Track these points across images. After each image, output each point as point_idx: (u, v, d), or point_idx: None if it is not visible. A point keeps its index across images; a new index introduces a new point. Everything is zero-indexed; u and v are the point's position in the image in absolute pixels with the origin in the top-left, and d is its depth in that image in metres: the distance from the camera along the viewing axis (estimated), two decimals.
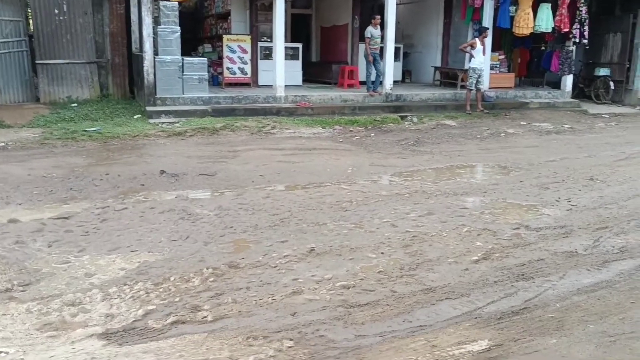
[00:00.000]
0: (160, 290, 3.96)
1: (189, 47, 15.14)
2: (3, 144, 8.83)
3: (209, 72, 13.90)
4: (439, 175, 7.83)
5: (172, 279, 4.15)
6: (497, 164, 8.57)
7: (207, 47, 15.21)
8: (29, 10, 12.39)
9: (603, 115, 14.14)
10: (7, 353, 3.08)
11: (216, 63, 14.36)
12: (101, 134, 9.64)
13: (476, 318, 3.56)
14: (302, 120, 11.55)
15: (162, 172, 7.26)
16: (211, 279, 4.15)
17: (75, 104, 12.06)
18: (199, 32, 17.46)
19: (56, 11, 12.16)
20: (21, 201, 6.01)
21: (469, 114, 13.07)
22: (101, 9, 12.82)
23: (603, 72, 16.16)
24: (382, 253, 4.73)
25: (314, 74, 16.03)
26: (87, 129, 9.78)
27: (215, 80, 14.14)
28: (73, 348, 3.17)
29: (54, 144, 9.00)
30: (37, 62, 12.24)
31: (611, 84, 15.88)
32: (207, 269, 4.33)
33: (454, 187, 6.98)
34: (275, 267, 4.40)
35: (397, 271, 4.33)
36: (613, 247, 4.89)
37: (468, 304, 3.75)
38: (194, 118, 10.92)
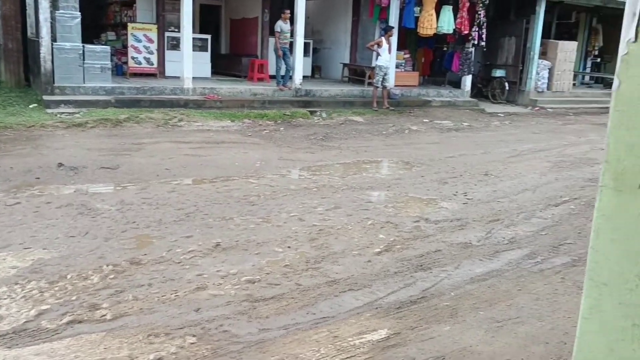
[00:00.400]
0: (56, 289, 3.78)
1: (90, 35, 14.44)
2: None
3: (112, 61, 13.35)
4: (346, 170, 7.99)
5: (69, 277, 3.97)
6: (401, 159, 8.88)
7: (111, 35, 14.58)
8: None
9: (498, 114, 15.01)
10: None
11: (120, 52, 13.80)
12: None
13: (377, 308, 3.70)
14: (210, 113, 11.37)
15: (60, 164, 6.90)
16: (111, 276, 4.01)
17: None
18: (101, 19, 16.67)
19: None
20: None
21: (376, 110, 13.43)
22: None
23: (499, 73, 17.14)
24: (289, 247, 4.77)
25: (223, 67, 15.82)
26: None
27: (119, 70, 13.59)
28: None
29: None
30: None
31: (506, 84, 16.89)
32: (107, 265, 4.18)
33: (360, 182, 7.17)
34: (179, 262, 4.32)
35: (303, 264, 4.40)
36: (503, 238, 5.24)
37: (369, 295, 3.87)
38: (96, 109, 10.44)
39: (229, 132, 10.20)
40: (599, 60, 21.21)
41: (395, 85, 14.94)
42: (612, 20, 17.09)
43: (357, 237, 5.09)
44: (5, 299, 3.60)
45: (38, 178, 6.42)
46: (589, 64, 21.17)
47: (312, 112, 12.64)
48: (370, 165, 8.43)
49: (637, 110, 1.05)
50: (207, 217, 5.44)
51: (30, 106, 10.42)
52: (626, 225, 1.10)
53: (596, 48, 20.63)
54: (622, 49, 1.08)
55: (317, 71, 17.51)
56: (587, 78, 21.18)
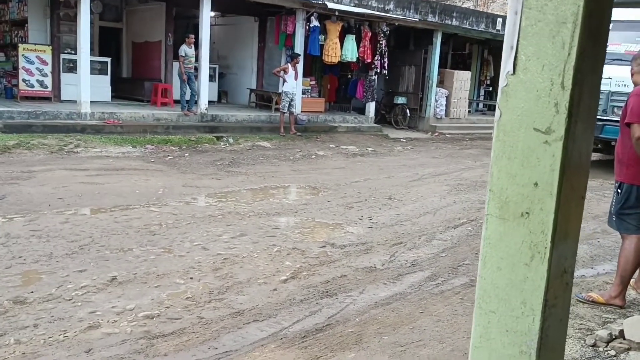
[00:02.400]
0: None
1: None
2: None
3: (1, 83, 12.54)
4: (252, 196, 7.89)
5: None
6: (308, 184, 8.91)
7: (0, 56, 13.66)
8: None
9: (401, 140, 15.53)
10: None
11: (10, 74, 12.96)
12: None
13: (282, 339, 3.61)
14: (110, 139, 10.89)
15: None
16: None
17: None
18: None
19: None
20: None
21: (283, 136, 13.46)
22: None
23: (401, 100, 17.79)
24: (192, 278, 4.60)
25: (125, 91, 15.28)
26: None
27: (9, 93, 12.74)
28: None
29: None
30: None
31: (407, 111, 17.55)
32: None
33: (267, 208, 7.09)
34: (70, 299, 4.03)
35: (206, 296, 4.24)
36: (406, 261, 5.34)
37: (275, 325, 3.78)
38: None
39: (130, 159, 9.79)
40: (490, 89, 22.60)
41: (302, 111, 15.08)
42: (500, 52, 18.30)
43: (263, 265, 5.00)
44: None
45: None
46: (482, 92, 22.51)
47: (218, 138, 12.45)
48: (277, 191, 8.38)
49: (516, 140, 1.07)
50: (103, 249, 5.14)
51: None
52: (511, 254, 1.11)
53: (488, 77, 21.99)
54: (502, 80, 1.10)
55: (223, 96, 17.35)
56: (481, 105, 22.49)
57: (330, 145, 13.32)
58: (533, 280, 1.08)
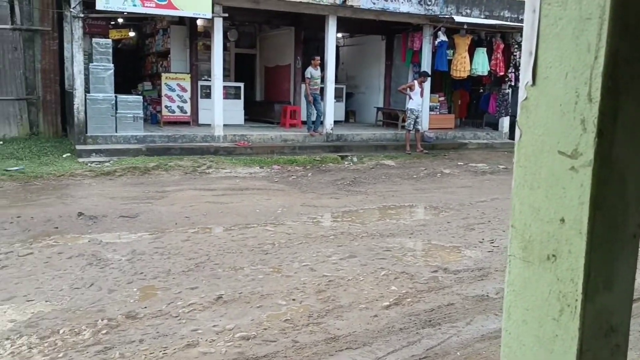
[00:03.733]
0: (45, 344, 3.69)
1: (130, 85, 14.93)
2: None
3: (148, 110, 13.72)
4: (369, 216, 7.78)
5: (61, 331, 3.87)
6: (429, 204, 8.60)
7: (147, 85, 15.00)
8: None
9: None
10: None
11: (155, 101, 14.16)
12: (24, 173, 9.24)
13: None
14: (240, 160, 11.41)
15: (80, 214, 6.95)
16: (104, 331, 3.89)
17: (1, 142, 11.60)
18: (140, 70, 17.26)
19: None
20: None
21: (409, 154, 13.21)
22: (32, 45, 12.52)
23: None
24: (294, 299, 4.57)
25: (257, 114, 16.01)
26: (9, 169, 9.37)
27: (154, 119, 13.92)
28: None
29: None
30: None
31: None
32: (102, 320, 4.07)
33: (381, 229, 6.93)
34: (176, 316, 4.18)
35: (305, 319, 4.18)
36: None
37: (368, 354, 3.62)
38: (126, 157, 10.63)
39: (256, 179, 10.17)
40: None
41: (430, 128, 14.74)
42: None
43: (368, 289, 4.85)
44: None
45: (56, 228, 6.47)
46: None
47: (342, 157, 12.53)
48: (395, 211, 8.18)
49: (539, 166, 0.86)
50: (216, 267, 5.31)
51: (64, 155, 10.70)
52: (537, 305, 0.89)
53: None
54: (521, 93, 0.90)
55: (351, 116, 17.51)
56: None
57: (458, 163, 12.81)
58: (563, 340, 0.85)
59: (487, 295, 4.73)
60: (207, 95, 13.77)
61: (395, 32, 15.99)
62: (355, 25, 15.33)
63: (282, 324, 4.08)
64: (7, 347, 3.64)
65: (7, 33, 12.21)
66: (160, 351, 3.62)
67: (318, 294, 4.71)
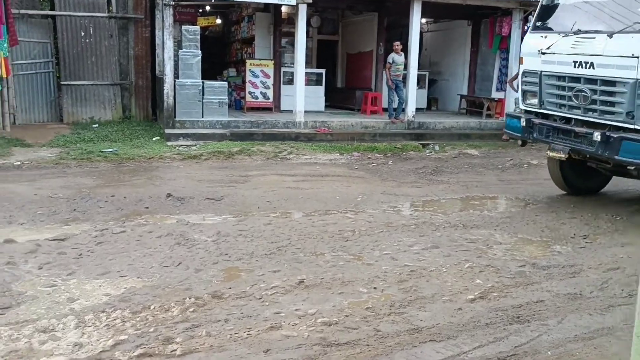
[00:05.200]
0: (137, 319, 3.85)
1: (215, 71, 15.34)
2: (18, 163, 8.98)
3: (232, 96, 14.04)
4: (451, 206, 7.59)
5: (152, 307, 4.04)
6: (516, 196, 8.27)
7: (232, 71, 15.35)
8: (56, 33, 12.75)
9: None
10: None
11: (240, 87, 14.46)
12: (117, 155, 9.72)
13: None
14: (320, 146, 11.46)
15: (169, 195, 7.22)
16: (191, 309, 4.02)
17: (97, 125, 12.27)
18: (226, 56, 17.68)
19: (82, 34, 12.49)
20: (23, 221, 6.04)
21: (506, 140, 12.65)
22: (127, 32, 13.11)
23: None
24: (375, 288, 4.53)
25: (338, 100, 16.00)
26: (104, 150, 9.89)
27: (238, 104, 14.23)
28: None
29: (68, 164, 9.11)
30: (62, 83, 12.54)
31: None
32: (190, 298, 4.21)
33: (465, 219, 6.74)
34: (260, 298, 4.25)
35: (387, 308, 4.13)
36: (622, 290, 4.59)
37: (453, 348, 3.52)
38: (211, 142, 10.94)
39: (336, 165, 10.17)
40: None
41: None
42: None
43: (451, 281, 4.72)
44: (89, 326, 3.73)
45: (147, 207, 6.76)
46: None
47: (424, 145, 12.30)
48: (479, 202, 7.93)
49: None
50: (298, 252, 5.36)
51: (154, 139, 11.17)
52: None
53: None
54: None
55: (433, 103, 17.14)
56: None
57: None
58: None
59: (580, 294, 4.48)
60: (289, 81, 13.90)
61: (483, 16, 15.43)
62: (441, 10, 14.92)
63: (363, 312, 4.05)
64: (102, 319, 3.83)
65: (104, 21, 12.85)
66: (244, 332, 3.69)
67: (400, 283, 4.64)
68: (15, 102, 12.10)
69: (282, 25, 14.38)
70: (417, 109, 13.78)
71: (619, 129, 6.27)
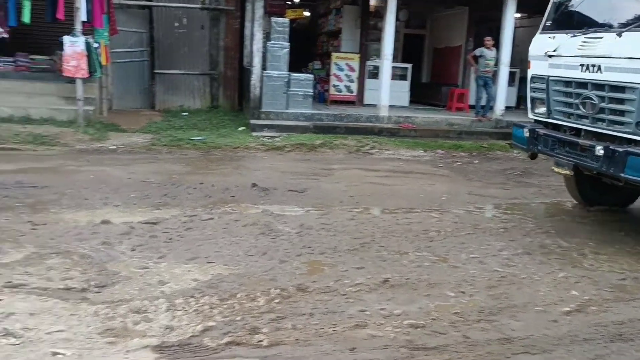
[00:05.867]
0: (225, 306, 3.91)
1: (301, 63, 15.45)
2: (114, 147, 9.43)
3: (316, 88, 14.08)
4: (542, 210, 7.25)
5: (238, 295, 4.09)
6: None
7: (317, 64, 15.41)
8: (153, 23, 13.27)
9: None
10: (63, 355, 3.15)
11: (324, 80, 14.49)
12: (205, 143, 9.99)
13: None
14: (403, 142, 11.28)
15: (254, 185, 7.33)
16: (277, 300, 4.03)
17: (186, 113, 12.68)
18: (312, 49, 17.77)
19: (176, 24, 12.93)
20: (118, 203, 6.30)
21: None
22: (218, 24, 13.44)
23: None
24: (463, 292, 4.37)
25: (423, 96, 15.69)
26: (193, 138, 10.20)
27: (321, 97, 14.27)
28: (126, 357, 3.18)
29: (159, 150, 9.46)
30: (155, 71, 13.06)
31: None
32: (276, 289, 4.22)
33: (557, 226, 6.40)
34: (344, 295, 4.21)
35: (475, 314, 3.97)
36: None
37: None
38: (295, 134, 11.03)
39: (419, 162, 9.97)
40: None
41: None
42: None
43: (544, 290, 4.48)
44: (179, 310, 3.82)
45: (233, 196, 6.88)
46: None
47: (512, 145, 11.80)
48: (572, 208, 7.50)
49: None
50: (381, 250, 5.27)
51: (239, 129, 11.40)
52: None
53: None
54: None
55: (522, 102, 16.43)
56: None
57: None
58: None
59: None
60: (374, 75, 13.76)
61: None
62: (535, 5, 14.23)
63: (451, 317, 3.92)
64: (192, 304, 3.91)
65: (197, 12, 13.25)
66: (329, 327, 3.66)
67: (489, 289, 4.46)
68: (112, 89, 12.72)
69: (369, 18, 14.26)
70: (506, 108, 13.27)
71: (629, 141, 5.36)
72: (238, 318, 3.73)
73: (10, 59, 10.92)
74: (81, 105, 10.11)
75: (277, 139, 10.63)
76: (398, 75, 14.27)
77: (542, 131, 6.49)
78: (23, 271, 4.31)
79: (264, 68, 11.57)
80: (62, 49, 10.07)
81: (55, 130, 9.65)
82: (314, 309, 3.92)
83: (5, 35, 10.38)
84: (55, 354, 3.16)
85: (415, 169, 9.37)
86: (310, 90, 12.15)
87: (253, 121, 11.34)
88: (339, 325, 3.70)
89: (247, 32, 13.24)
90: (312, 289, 4.28)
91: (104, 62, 11.14)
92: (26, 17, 10.02)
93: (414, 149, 10.89)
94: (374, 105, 12.80)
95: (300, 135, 10.92)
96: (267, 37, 11.83)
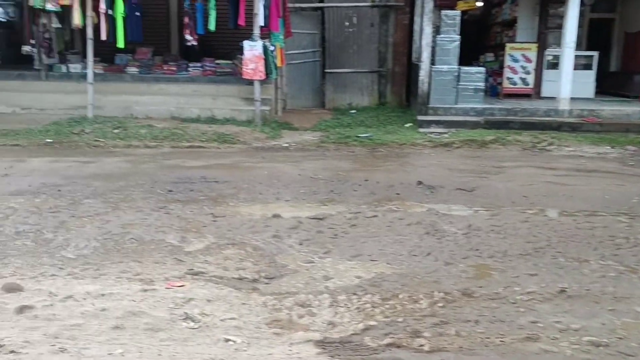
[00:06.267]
0: (386, 306, 3.87)
1: (471, 56, 14.86)
2: (286, 145, 9.89)
3: (487, 82, 13.43)
4: None
5: (400, 296, 4.02)
6: None
7: (489, 56, 14.68)
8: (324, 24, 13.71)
9: None
10: (234, 342, 3.34)
11: (496, 73, 13.75)
12: (371, 140, 10.06)
13: None
14: (586, 138, 10.29)
15: (419, 182, 7.19)
16: (440, 304, 3.89)
17: (354, 111, 12.89)
18: (483, 41, 16.99)
19: (346, 24, 13.20)
20: (288, 198, 6.58)
21: None
22: (387, 20, 13.47)
23: None
24: None
25: (611, 86, 14.15)
26: (359, 135, 10.33)
27: (493, 91, 13.57)
28: (290, 350, 3.28)
29: (328, 147, 9.73)
30: (325, 71, 13.47)
31: None
32: (439, 292, 4.08)
33: None
34: (514, 303, 3.92)
35: None
36: None
37: None
38: (464, 129, 10.63)
39: (605, 160, 9.01)
40: None
41: None
42: None
43: None
44: (342, 306, 3.86)
45: (398, 194, 6.81)
46: None
47: None
48: None
49: None
50: (558, 256, 4.84)
51: (406, 125, 11.30)
52: None
53: None
54: None
55: None
56: None
57: None
58: None
59: None
60: (554, 66, 12.71)
61: None
62: None
63: None
64: (354, 301, 3.93)
65: (366, 10, 13.42)
66: (496, 337, 3.43)
67: None
68: (286, 90, 13.40)
69: (549, 4, 13.22)
70: None
71: None
72: (399, 319, 3.66)
73: (199, 65, 12.02)
74: (258, 105, 10.77)
75: (445, 135, 10.33)
76: (582, 65, 13.03)
77: None
78: (203, 260, 4.68)
79: (432, 63, 11.32)
80: (242, 53, 10.81)
81: (236, 129, 10.41)
82: (480, 316, 3.71)
83: (195, 43, 11.44)
84: (227, 340, 3.37)
85: (600, 167, 8.48)
86: (482, 84, 11.61)
87: (420, 117, 11.16)
88: (507, 335, 3.45)
89: (416, 27, 13.07)
90: (478, 294, 4.06)
91: (279, 64, 11.75)
92: (212, 25, 10.95)
93: (599, 145, 9.87)
94: (553, 98, 11.84)
95: (469, 131, 10.50)
96: (436, 31, 11.56)
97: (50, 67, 11.90)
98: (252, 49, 10.57)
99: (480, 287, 4.20)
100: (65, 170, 7.71)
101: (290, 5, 12.76)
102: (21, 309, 3.60)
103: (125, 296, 3.90)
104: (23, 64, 12.02)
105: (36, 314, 3.58)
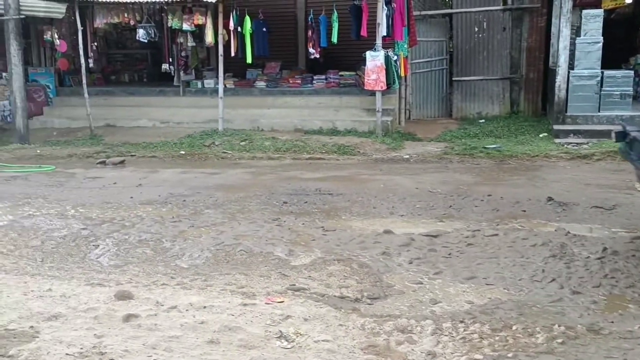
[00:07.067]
0: (496, 338, 3.49)
1: (619, 59, 13.47)
2: (407, 156, 9.59)
3: (638, 86, 12.09)
4: None
5: (514, 327, 3.62)
6: None
7: None
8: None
9: None
10: None
11: None
12: (500, 152, 9.44)
13: None
14: None
15: (549, 199, 6.56)
16: (559, 340, 3.44)
17: (483, 120, 12.24)
18: (634, 41, 15.34)
19: (476, 29, 12.61)
20: (403, 213, 6.33)
21: None
22: (520, 24, 12.65)
23: None
24: None
25: None
26: (487, 146, 9.74)
27: None
28: None
29: (451, 159, 9.27)
30: (453, 79, 12.95)
31: None
32: (560, 325, 3.61)
33: None
34: None
35: None
36: None
37: None
38: (606, 140, 9.58)
39: None
40: None
41: None
42: None
43: None
44: (446, 335, 3.55)
45: (524, 211, 6.27)
46: None
47: None
48: None
49: None
50: None
51: (540, 135, 10.48)
52: None
53: None
54: None
55: None
56: None
57: None
58: None
59: None
60: None
61: None
62: None
63: None
64: (460, 330, 3.60)
65: (498, 14, 12.72)
66: None
67: None
68: (411, 99, 13.08)
69: None
70: None
71: None
72: (509, 354, 3.28)
73: (323, 77, 12.13)
74: (380, 116, 10.60)
75: (585, 146, 9.41)
76: None
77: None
78: (307, 275, 4.60)
79: (571, 67, 10.40)
80: (365, 64, 10.72)
81: (356, 141, 10.31)
82: (607, 358, 3.21)
83: (317, 56, 11.57)
84: None
85: None
86: (630, 89, 10.44)
87: (556, 126, 10.28)
88: None
89: (553, 29, 12.10)
90: (607, 331, 3.54)
91: (402, 74, 11.49)
92: (334, 37, 11.00)
93: None
94: None
95: (613, 142, 9.44)
96: (576, 32, 10.62)
97: (187, 83, 12.69)
98: (374, 59, 10.44)
99: (612, 322, 3.67)
100: (192, 181, 8.10)
101: (416, 13, 12.46)
102: (127, 317, 3.74)
103: (225, 309, 3.91)
104: (164, 80, 12.96)
105: (140, 323, 3.69)
